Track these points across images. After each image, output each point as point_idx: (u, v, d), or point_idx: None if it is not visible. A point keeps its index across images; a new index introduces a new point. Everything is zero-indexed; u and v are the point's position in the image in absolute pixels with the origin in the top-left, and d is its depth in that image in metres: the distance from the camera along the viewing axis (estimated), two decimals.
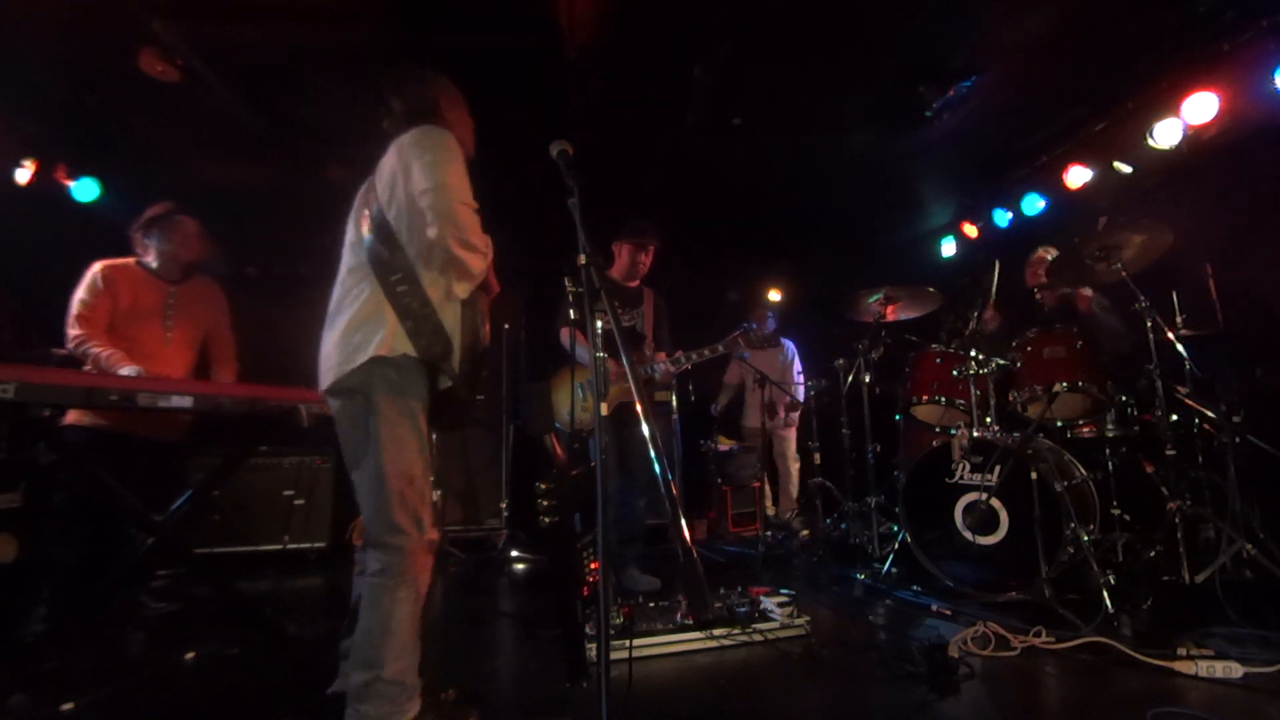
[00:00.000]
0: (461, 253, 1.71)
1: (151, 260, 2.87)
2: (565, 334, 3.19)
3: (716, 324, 4.33)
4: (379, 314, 1.72)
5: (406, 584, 1.65)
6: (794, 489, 5.21)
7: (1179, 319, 3.14)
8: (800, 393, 4.78)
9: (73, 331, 2.62)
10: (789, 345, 5.31)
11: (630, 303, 3.34)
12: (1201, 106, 3.49)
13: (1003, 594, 2.77)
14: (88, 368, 2.60)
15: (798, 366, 5.26)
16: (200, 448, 3.24)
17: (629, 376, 1.39)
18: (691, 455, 5.01)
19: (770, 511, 5.15)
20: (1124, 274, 2.93)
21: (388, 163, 1.80)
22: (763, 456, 4.94)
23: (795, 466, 5.25)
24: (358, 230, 1.82)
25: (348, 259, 1.83)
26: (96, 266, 2.74)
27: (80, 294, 2.67)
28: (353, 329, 1.72)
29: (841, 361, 4.01)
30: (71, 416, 2.56)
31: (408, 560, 1.66)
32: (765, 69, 3.66)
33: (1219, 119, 3.48)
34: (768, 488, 5.29)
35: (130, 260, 2.85)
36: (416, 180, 1.70)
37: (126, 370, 2.54)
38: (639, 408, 1.36)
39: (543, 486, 2.13)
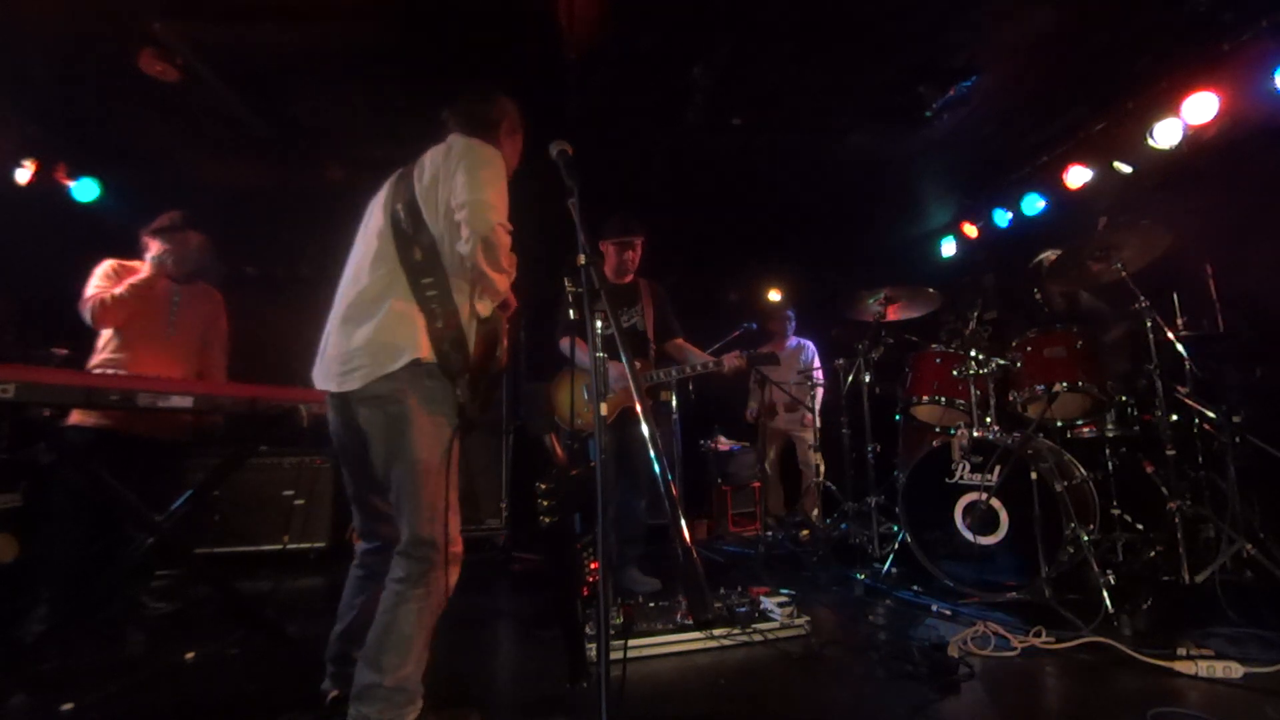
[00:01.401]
0: (491, 272, 1.72)
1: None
2: (565, 342, 3.10)
3: (716, 323, 4.34)
4: (411, 316, 1.69)
5: (426, 594, 1.64)
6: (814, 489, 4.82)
7: (1179, 319, 3.14)
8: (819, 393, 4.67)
9: (88, 294, 2.70)
10: (807, 345, 5.22)
11: (627, 301, 3.31)
12: (1201, 106, 3.49)
13: (1003, 594, 2.77)
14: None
15: (816, 364, 5.07)
16: (200, 448, 3.24)
17: (629, 379, 1.38)
18: (691, 455, 5.01)
19: (781, 510, 5.09)
20: (1124, 274, 2.93)
21: (435, 155, 1.78)
22: (761, 454, 4.92)
23: (821, 470, 4.80)
24: (387, 216, 1.78)
25: (373, 246, 1.77)
26: (109, 261, 2.84)
27: (95, 279, 2.77)
28: (388, 329, 1.67)
29: (841, 361, 4.01)
30: (75, 416, 2.57)
31: (432, 573, 1.65)
32: (765, 69, 3.66)
33: (1219, 119, 3.48)
34: (780, 485, 5.24)
35: (139, 263, 2.90)
36: (459, 190, 1.68)
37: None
38: (639, 408, 1.35)
39: (543, 487, 2.13)
